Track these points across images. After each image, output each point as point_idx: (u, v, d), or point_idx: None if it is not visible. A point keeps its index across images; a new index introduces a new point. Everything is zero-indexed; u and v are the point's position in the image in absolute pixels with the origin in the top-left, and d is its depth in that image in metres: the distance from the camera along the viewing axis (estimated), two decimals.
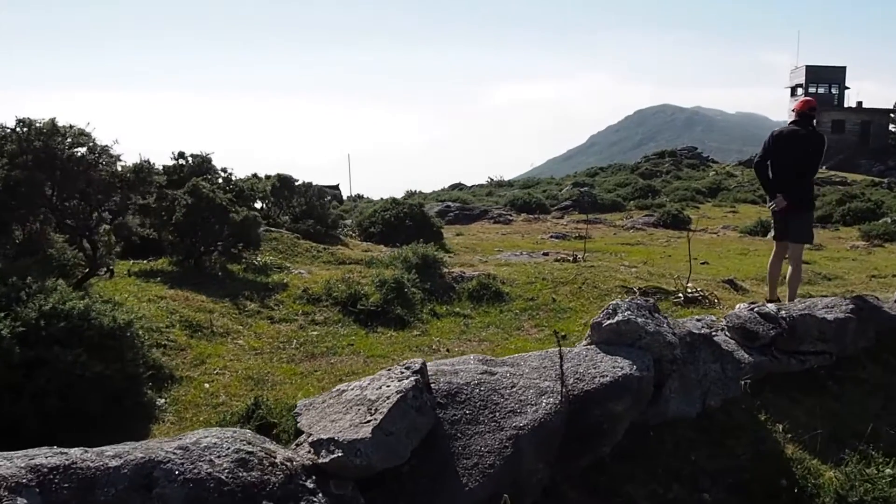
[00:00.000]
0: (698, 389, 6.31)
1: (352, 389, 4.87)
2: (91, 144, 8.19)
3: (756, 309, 7.50)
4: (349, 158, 28.68)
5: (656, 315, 6.23)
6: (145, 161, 8.78)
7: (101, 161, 8.31)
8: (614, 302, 6.11)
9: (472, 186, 44.88)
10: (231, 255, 10.99)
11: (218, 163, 12.80)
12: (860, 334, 8.26)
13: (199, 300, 9.74)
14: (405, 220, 18.73)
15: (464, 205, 28.27)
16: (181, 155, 11.83)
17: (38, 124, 8.02)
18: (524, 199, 30.97)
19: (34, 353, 6.16)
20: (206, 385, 7.31)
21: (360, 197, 36.75)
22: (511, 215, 27.23)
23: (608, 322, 5.93)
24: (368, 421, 4.40)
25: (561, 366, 5.14)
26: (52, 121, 8.01)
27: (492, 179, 43.71)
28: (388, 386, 4.71)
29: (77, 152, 8.07)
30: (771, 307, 8.55)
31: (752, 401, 6.67)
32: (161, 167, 11.36)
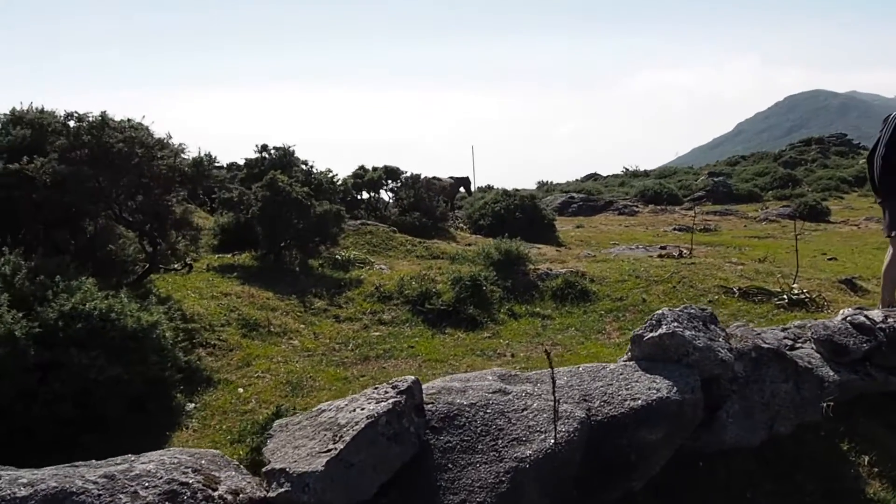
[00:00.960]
0: (764, 413, 5.43)
1: (329, 410, 4.34)
2: (145, 139, 7.97)
3: (850, 317, 6.47)
4: (473, 150, 28.14)
5: (711, 327, 5.39)
6: (206, 154, 8.53)
7: (157, 154, 8.08)
8: (660, 311, 5.32)
9: (607, 177, 43.54)
10: (308, 249, 10.67)
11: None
12: None
13: (264, 297, 9.48)
14: (515, 213, 18.06)
15: (588, 195, 27.27)
16: (264, 148, 11.64)
17: (89, 118, 7.89)
18: (655, 189, 29.60)
19: (50, 354, 5.96)
20: (241, 390, 6.97)
21: (489, 188, 36.28)
22: (637, 206, 26.04)
23: (650, 335, 5.15)
24: (328, 450, 3.85)
25: (553, 390, 4.43)
26: (103, 114, 7.85)
27: (627, 169, 42.24)
28: (363, 409, 4.15)
29: (128, 146, 7.85)
30: (876, 313, 7.44)
31: (835, 426, 5.70)
32: (244, 160, 11.16)
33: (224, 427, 6.26)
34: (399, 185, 17.75)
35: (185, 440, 6.10)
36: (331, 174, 11.58)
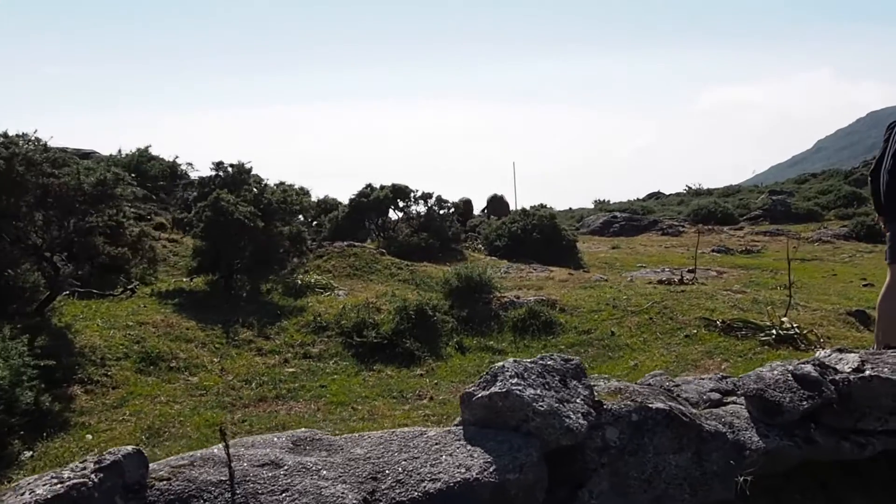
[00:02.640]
0: (645, 493, 4.25)
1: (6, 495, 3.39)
2: (33, 156, 7.22)
3: (793, 368, 5.20)
4: (514, 167, 27.08)
5: (572, 383, 4.27)
6: (113, 172, 7.74)
7: (47, 171, 7.33)
8: (501, 363, 4.22)
9: (670, 195, 41.78)
10: (258, 274, 9.81)
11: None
12: None
13: (186, 326, 8.65)
14: (532, 233, 16.92)
15: (633, 215, 25.85)
16: (218, 165, 10.85)
17: None
18: (709, 208, 28.02)
19: None
20: (89, 437, 6.09)
21: (521, 210, 35.14)
22: (683, 227, 24.51)
23: (481, 394, 4.06)
24: None
25: (230, 468, 3.40)
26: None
27: (689, 188, 40.43)
28: (33, 492, 3.20)
29: (21, 163, 7.12)
30: (851, 358, 6.14)
31: None
32: (196, 179, 10.38)
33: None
34: (406, 204, 16.81)
35: None
36: (290, 193, 10.65)
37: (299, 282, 10.64)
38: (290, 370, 7.87)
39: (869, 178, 7.44)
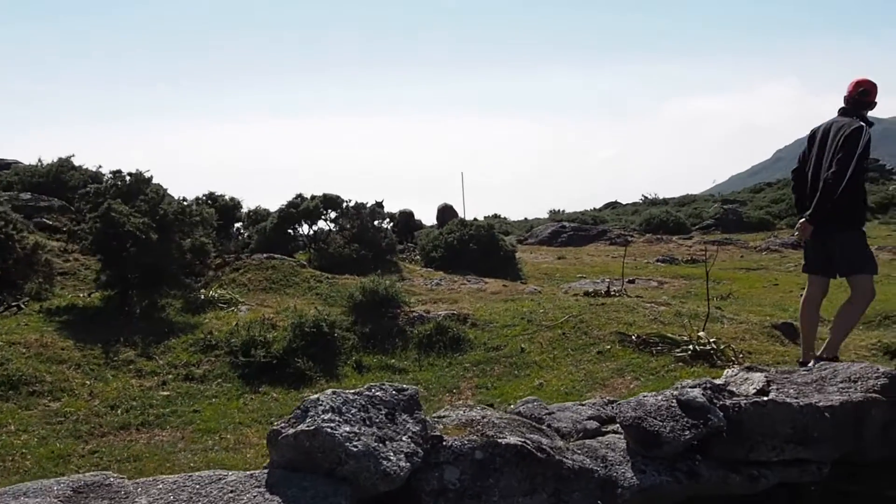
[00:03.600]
0: None
1: None
2: None
3: (679, 392, 4.67)
4: (462, 177, 26.46)
5: (402, 418, 3.70)
6: None
7: None
8: (316, 395, 3.64)
9: (626, 205, 41.52)
10: (151, 289, 9.15)
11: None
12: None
13: (60, 347, 7.99)
14: (469, 244, 16.36)
15: (581, 225, 25.43)
16: (116, 174, 10.18)
17: None
18: (662, 217, 27.71)
19: None
20: None
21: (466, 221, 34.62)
22: (632, 236, 24.11)
23: (288, 433, 3.48)
24: None
25: None
26: None
27: (646, 197, 40.16)
28: None
29: None
30: (756, 377, 5.65)
31: None
32: (91, 189, 9.71)
33: None
34: (339, 214, 16.18)
35: None
36: (189, 205, 10.00)
37: (202, 297, 9.97)
38: (165, 394, 7.24)
39: (792, 179, 7.06)
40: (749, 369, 6.04)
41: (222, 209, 16.87)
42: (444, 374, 7.81)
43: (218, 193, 17.35)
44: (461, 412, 4.31)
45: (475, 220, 19.54)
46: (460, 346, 8.38)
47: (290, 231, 16.20)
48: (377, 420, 3.60)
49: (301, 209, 15.87)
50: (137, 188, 9.59)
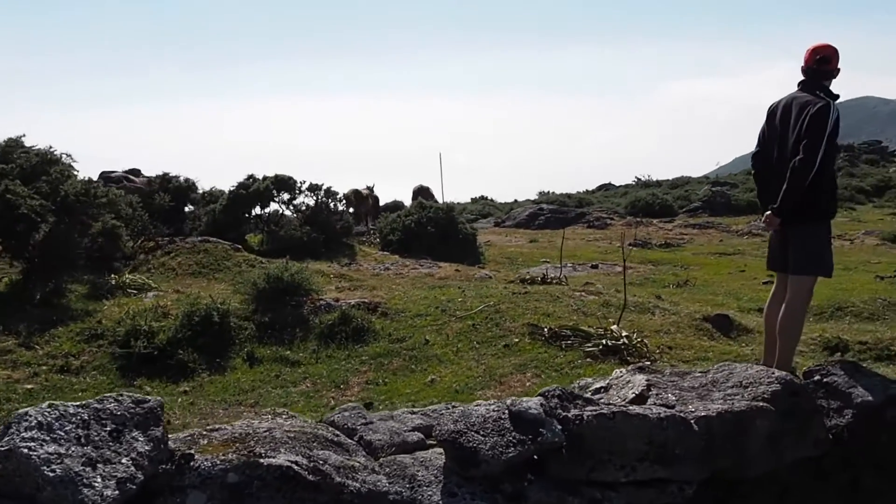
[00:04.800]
0: None
1: None
2: None
3: (512, 403, 4.09)
4: (440, 158, 25.84)
5: (132, 435, 3.19)
6: None
7: None
8: (25, 409, 3.11)
9: (619, 187, 40.82)
10: (51, 274, 8.63)
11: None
12: (786, 441, 4.67)
13: None
14: (427, 227, 15.78)
15: (560, 207, 24.81)
16: (17, 147, 9.60)
17: None
18: (647, 200, 27.07)
19: None
20: None
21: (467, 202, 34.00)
22: (611, 219, 23.49)
23: None
24: None
25: None
26: None
27: (639, 179, 39.44)
28: None
29: None
30: (631, 380, 5.08)
31: None
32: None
33: None
34: (292, 196, 15.62)
35: None
36: (94, 185, 9.42)
37: (113, 282, 9.42)
38: (30, 387, 6.73)
39: (752, 169, 6.19)
40: (640, 370, 5.49)
41: (175, 190, 16.36)
42: (339, 368, 7.27)
43: (172, 174, 16.82)
44: (243, 423, 3.75)
45: (438, 203, 18.94)
46: (363, 337, 7.84)
47: (244, 213, 15.65)
48: (97, 438, 3.06)
49: (251, 190, 15.32)
50: (42, 168, 9.02)
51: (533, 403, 4.03)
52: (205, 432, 3.60)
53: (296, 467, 3.32)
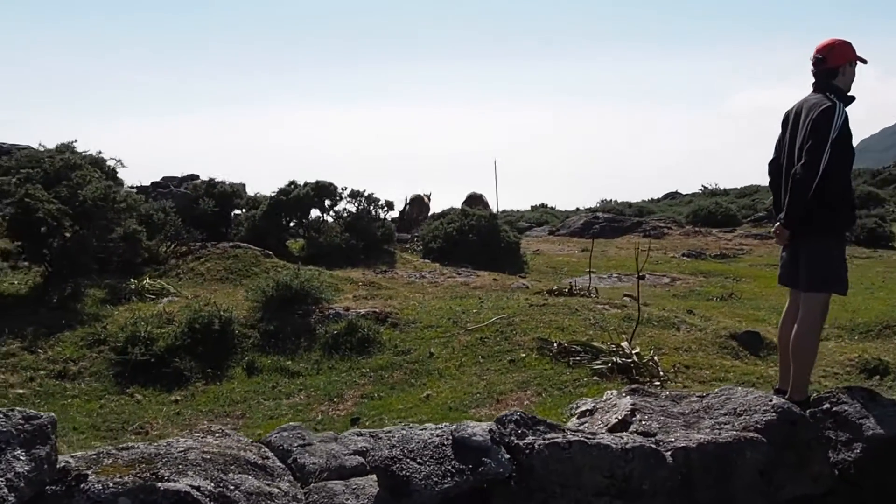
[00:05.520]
0: None
1: None
2: None
3: (456, 428, 3.78)
4: (495, 164, 25.55)
5: (13, 452, 2.97)
6: None
7: None
8: None
9: (686, 195, 39.89)
10: (69, 277, 8.64)
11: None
12: (782, 476, 4.24)
13: None
14: (468, 235, 15.49)
15: (616, 216, 24.22)
16: (56, 151, 9.66)
17: None
18: (710, 209, 26.28)
19: None
20: None
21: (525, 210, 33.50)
22: (669, 228, 22.80)
23: None
24: None
25: None
26: None
27: (705, 188, 38.45)
28: None
29: None
30: (608, 404, 4.73)
31: None
32: (24, 173, 9.24)
33: None
34: (333, 202, 15.52)
35: None
36: (114, 191, 9.38)
37: (133, 286, 9.39)
38: (21, 391, 6.66)
39: (794, 177, 5.55)
40: (633, 392, 5.10)
41: (220, 195, 16.39)
42: (338, 380, 7.04)
43: (218, 180, 16.89)
44: (161, 442, 3.52)
45: (489, 210, 18.64)
46: (368, 348, 7.60)
47: (285, 219, 15.58)
48: None
49: (291, 197, 15.23)
50: (64, 173, 9.04)
51: (479, 430, 3.71)
52: (113, 451, 3.37)
53: (195, 493, 3.07)
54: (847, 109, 5.09)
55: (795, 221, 5.09)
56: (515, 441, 3.77)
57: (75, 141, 16.42)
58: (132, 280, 9.60)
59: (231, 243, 12.39)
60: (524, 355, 7.08)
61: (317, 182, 15.63)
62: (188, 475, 3.20)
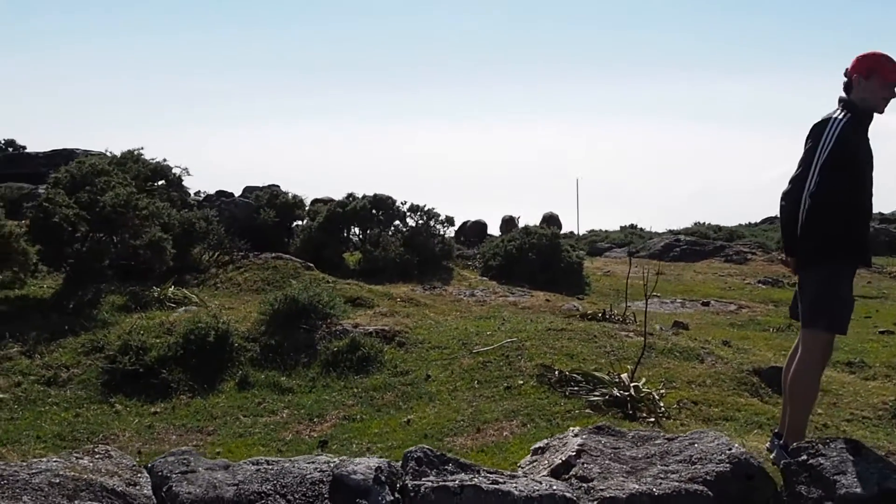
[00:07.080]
0: None
1: None
2: None
3: (339, 463, 3.41)
4: (577, 185, 24.99)
5: None
6: None
7: None
8: None
9: None
10: (87, 283, 8.66)
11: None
12: None
13: None
14: (528, 253, 15.07)
15: (698, 239, 23.24)
16: (79, 159, 9.76)
17: None
18: None
19: None
20: None
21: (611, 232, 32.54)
22: (753, 254, 21.72)
23: None
24: None
25: None
26: None
27: None
28: None
29: None
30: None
31: None
32: (53, 178, 9.36)
33: None
34: (391, 216, 15.34)
35: None
36: (137, 198, 9.37)
37: (156, 294, 9.35)
38: (1, 396, 6.60)
39: (781, 203, 4.98)
40: (598, 430, 4.62)
41: (281, 206, 16.46)
42: (327, 399, 6.76)
43: (282, 190, 16.98)
44: (18, 463, 3.28)
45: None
46: (367, 367, 7.29)
47: (342, 232, 15.49)
48: None
49: (348, 209, 15.12)
50: (90, 179, 9.09)
51: (363, 467, 3.33)
52: None
53: None
54: (865, 124, 4.52)
55: (791, 251, 4.56)
56: (409, 481, 3.38)
57: (142, 148, 16.71)
58: (155, 288, 9.56)
59: (273, 254, 12.31)
60: (522, 382, 6.63)
61: (374, 195, 15.49)
62: (21, 500, 2.95)
